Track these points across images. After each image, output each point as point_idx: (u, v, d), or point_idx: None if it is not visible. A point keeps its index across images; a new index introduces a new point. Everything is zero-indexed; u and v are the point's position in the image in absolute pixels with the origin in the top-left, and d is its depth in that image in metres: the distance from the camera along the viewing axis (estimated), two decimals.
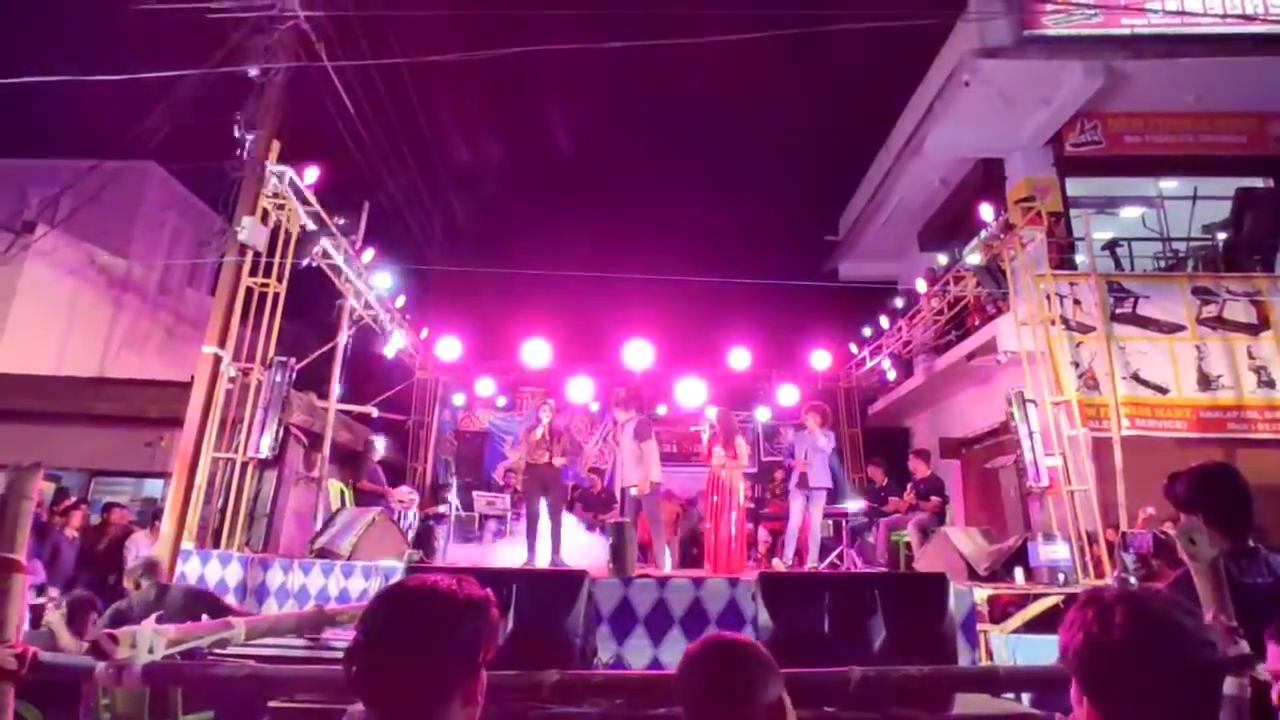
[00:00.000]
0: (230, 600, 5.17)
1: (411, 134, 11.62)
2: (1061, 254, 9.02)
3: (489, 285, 14.77)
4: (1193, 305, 8.09)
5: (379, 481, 8.16)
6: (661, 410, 12.08)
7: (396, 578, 2.80)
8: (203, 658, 2.67)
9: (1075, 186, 9.96)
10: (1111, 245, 8.96)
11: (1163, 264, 9.29)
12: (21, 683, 1.85)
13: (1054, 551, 5.85)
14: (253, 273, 6.62)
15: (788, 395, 11.92)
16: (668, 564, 6.96)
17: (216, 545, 6.16)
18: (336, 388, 8.32)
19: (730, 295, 12.67)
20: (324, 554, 5.81)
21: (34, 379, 9.30)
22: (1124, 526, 6.46)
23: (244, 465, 6.47)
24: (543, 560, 6.23)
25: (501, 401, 12.72)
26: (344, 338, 8.42)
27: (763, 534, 9.36)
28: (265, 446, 6.49)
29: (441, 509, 9.07)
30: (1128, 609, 1.01)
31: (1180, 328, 8.02)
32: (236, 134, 6.52)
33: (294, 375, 6.91)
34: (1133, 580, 5.49)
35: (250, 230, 6.33)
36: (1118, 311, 8.03)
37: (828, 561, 7.59)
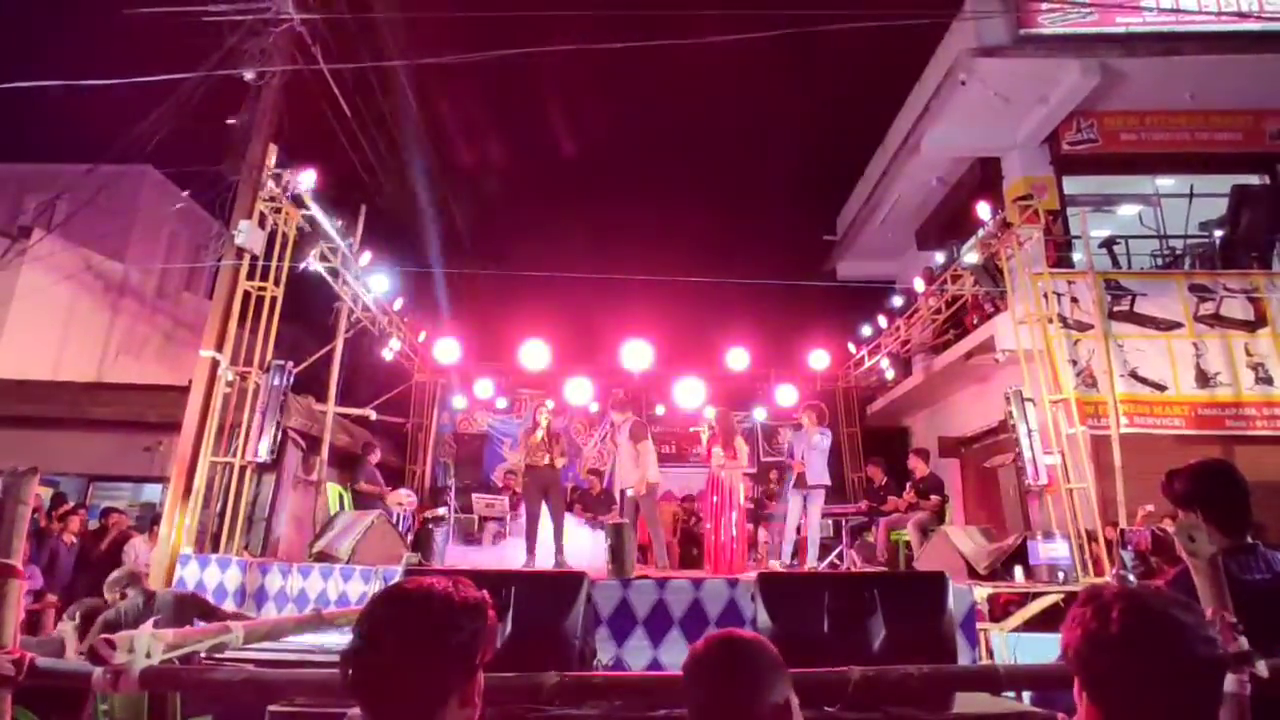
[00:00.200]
0: (229, 605, 5.18)
1: (408, 136, 11.61)
2: (1059, 252, 9.02)
3: (487, 287, 14.79)
4: (1190, 302, 8.09)
5: (377, 484, 8.16)
6: (660, 411, 12.09)
7: (395, 580, 2.79)
8: (200, 662, 2.66)
9: (1072, 185, 9.99)
10: (1109, 243, 8.96)
11: (1160, 261, 9.32)
12: (19, 688, 1.84)
13: (1053, 549, 5.87)
14: (250, 276, 6.62)
15: (786, 395, 11.92)
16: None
17: (215, 549, 6.16)
18: (334, 391, 8.32)
19: (728, 295, 12.67)
20: (323, 557, 5.80)
21: (31, 384, 9.30)
22: (1123, 524, 6.46)
23: (242, 469, 6.47)
24: (543, 562, 6.22)
25: (501, 403, 12.69)
26: (342, 341, 8.42)
27: (763, 534, 9.36)
28: (263, 450, 6.50)
29: (441, 511, 9.07)
30: (1126, 606, 1.00)
31: (1178, 325, 8.02)
32: (233, 138, 6.52)
33: (292, 379, 6.90)
34: (1131, 578, 5.48)
35: (247, 234, 6.33)
36: (1115, 309, 8.03)
37: (827, 561, 7.59)
